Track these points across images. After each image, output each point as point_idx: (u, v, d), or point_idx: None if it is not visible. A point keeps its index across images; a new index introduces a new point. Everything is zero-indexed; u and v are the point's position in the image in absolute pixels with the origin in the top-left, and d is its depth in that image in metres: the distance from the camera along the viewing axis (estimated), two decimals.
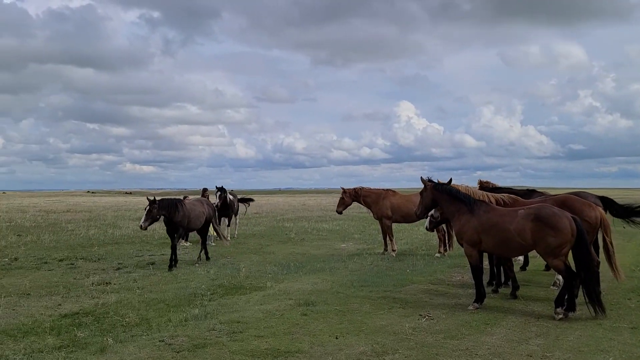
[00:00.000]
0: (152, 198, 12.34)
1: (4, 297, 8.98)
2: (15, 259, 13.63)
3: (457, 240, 8.79)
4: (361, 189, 15.18)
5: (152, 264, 12.93)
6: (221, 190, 17.77)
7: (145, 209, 12.12)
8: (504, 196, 9.66)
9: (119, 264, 12.89)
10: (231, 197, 18.40)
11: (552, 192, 11.81)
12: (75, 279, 10.90)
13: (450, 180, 10.00)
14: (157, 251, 15.58)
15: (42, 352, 6.07)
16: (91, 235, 19.80)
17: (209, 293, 9.27)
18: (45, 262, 13.06)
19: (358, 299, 8.83)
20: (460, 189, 10.28)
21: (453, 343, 6.43)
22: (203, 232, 13.78)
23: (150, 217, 11.95)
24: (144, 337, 6.69)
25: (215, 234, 18.10)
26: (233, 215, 18.93)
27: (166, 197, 13.10)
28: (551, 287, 9.71)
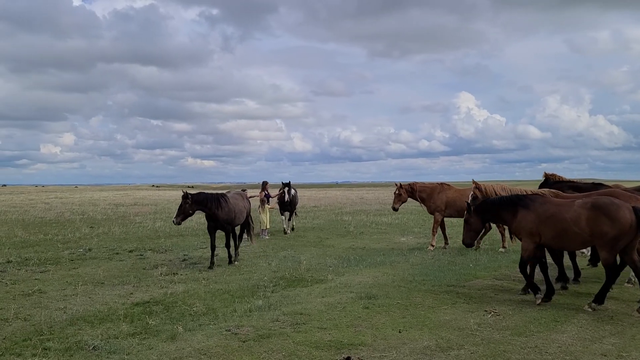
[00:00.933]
0: (184, 192, 11.62)
1: (81, 285, 9.50)
2: (89, 249, 14.39)
3: (515, 235, 8.70)
4: (415, 184, 14.96)
5: (216, 255, 13.29)
6: (288, 186, 18.29)
7: (180, 205, 11.40)
8: (544, 191, 9.50)
9: (184, 255, 13.35)
10: (293, 191, 18.72)
11: (625, 185, 11.23)
12: (144, 269, 11.38)
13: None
14: (220, 243, 15.97)
15: (117, 338, 6.39)
16: (157, 227, 20.59)
17: (271, 285, 9.44)
18: (117, 253, 13.71)
19: (420, 293, 8.74)
20: (495, 188, 11.05)
21: (521, 340, 6.25)
22: (242, 226, 13.04)
23: (182, 213, 11.24)
24: (211, 326, 6.90)
25: (267, 226, 18.07)
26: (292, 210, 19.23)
27: (206, 191, 12.51)
28: (625, 284, 9.24)
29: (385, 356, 5.73)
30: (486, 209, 8.65)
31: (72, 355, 5.75)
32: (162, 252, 13.93)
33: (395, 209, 15.30)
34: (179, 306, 7.94)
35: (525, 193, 9.40)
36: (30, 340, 6.29)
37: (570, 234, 7.70)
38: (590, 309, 7.56)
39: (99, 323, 7.06)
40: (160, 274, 10.70)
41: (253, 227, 13.52)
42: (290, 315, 7.34)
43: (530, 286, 8.31)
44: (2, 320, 7.25)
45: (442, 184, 14.84)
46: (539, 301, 7.99)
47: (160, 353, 5.83)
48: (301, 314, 7.44)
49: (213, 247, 11.90)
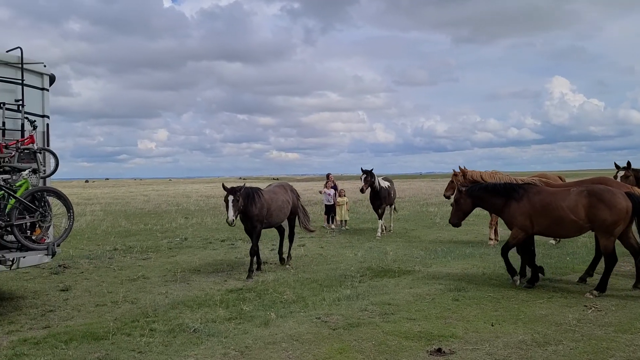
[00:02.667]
0: (230, 186, 9.71)
1: (180, 272, 10.09)
2: (185, 238, 15.23)
3: (507, 225, 8.67)
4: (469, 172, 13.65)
5: (303, 245, 13.60)
6: (367, 174, 15.17)
7: (228, 201, 9.36)
8: (534, 180, 9.67)
9: (272, 245, 13.73)
10: (386, 183, 16.05)
11: None
12: (236, 257, 11.88)
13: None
14: (306, 234, 16.29)
15: (215, 322, 6.73)
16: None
17: (358, 275, 9.51)
18: (210, 242, 14.40)
19: (513, 286, 8.45)
20: (484, 176, 11.17)
21: (626, 337, 5.88)
22: (289, 225, 11.29)
23: (238, 209, 9.43)
24: (301, 313, 7.09)
25: (343, 218, 17.35)
26: (387, 206, 16.47)
27: (248, 185, 10.42)
28: None
29: (477, 349, 5.62)
30: (478, 194, 8.73)
31: (175, 337, 6.14)
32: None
33: (446, 197, 13.48)
34: (270, 294, 8.21)
35: (517, 182, 9.55)
36: (138, 321, 6.78)
37: (567, 222, 7.87)
38: (592, 296, 7.62)
39: (197, 307, 7.48)
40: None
41: (308, 217, 11.93)
42: (379, 305, 7.37)
43: (509, 270, 8.58)
44: (112, 302, 7.88)
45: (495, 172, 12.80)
46: (517, 283, 8.42)
47: (255, 337, 6.09)
48: (389, 304, 7.45)
49: (255, 252, 9.96)
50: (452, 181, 13.44)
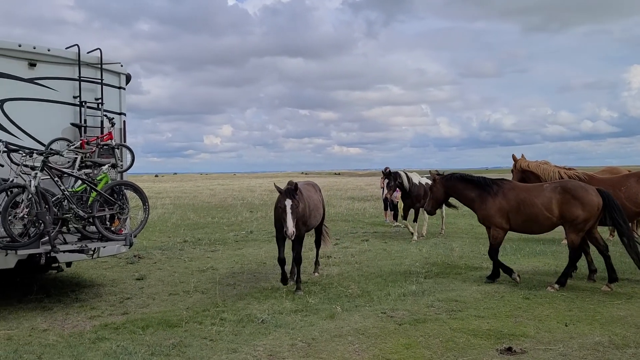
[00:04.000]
0: (285, 186, 7.79)
1: (247, 264, 10.37)
2: (251, 232, 15.60)
3: (482, 223, 8.70)
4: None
5: (366, 240, 13.59)
6: (390, 177, 13.76)
7: (286, 207, 7.44)
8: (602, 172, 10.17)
9: (337, 239, 13.82)
10: (425, 180, 13.93)
11: None
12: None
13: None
14: (370, 229, 16.31)
15: (281, 313, 6.88)
16: None
17: (423, 271, 9.41)
18: (274, 236, 14.62)
19: (588, 285, 8.10)
20: (532, 165, 10.60)
21: None
22: (318, 229, 9.52)
23: (296, 216, 7.55)
24: (366, 307, 7.11)
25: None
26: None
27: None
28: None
29: (550, 349, 5.43)
30: (451, 183, 8.74)
31: (244, 327, 6.33)
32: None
33: None
34: (335, 287, 8.28)
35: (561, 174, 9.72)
36: (209, 310, 7.03)
37: (540, 219, 8.00)
38: (552, 290, 7.76)
39: (264, 299, 7.66)
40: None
41: (328, 231, 10.03)
42: (445, 302, 7.27)
43: (504, 270, 8.45)
44: (184, 292, 8.21)
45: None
46: (519, 279, 8.29)
47: (321, 330, 6.16)
48: (456, 300, 7.33)
49: (282, 261, 8.17)
50: (512, 170, 12.92)
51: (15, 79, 7.57)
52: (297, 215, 7.53)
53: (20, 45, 7.59)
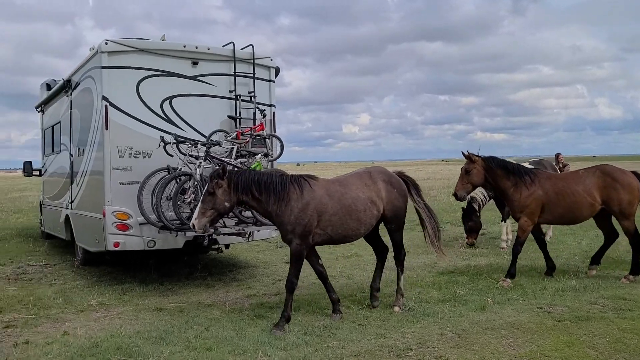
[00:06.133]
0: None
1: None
2: None
3: (514, 215, 8.00)
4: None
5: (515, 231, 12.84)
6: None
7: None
8: None
9: (483, 230, 13.26)
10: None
11: None
12: (445, 240, 11.75)
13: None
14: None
15: (428, 302, 6.79)
16: (452, 201, 20.93)
17: (583, 265, 8.66)
18: (417, 224, 14.42)
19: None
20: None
21: None
22: (392, 240, 6.92)
23: (213, 206, 5.96)
24: (520, 301, 6.74)
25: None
26: None
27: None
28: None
29: None
30: (491, 167, 7.85)
31: (391, 313, 6.37)
32: (459, 226, 14.13)
33: None
34: (484, 279, 7.96)
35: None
36: (355, 296, 7.18)
37: (583, 206, 7.60)
38: (628, 281, 7.50)
39: (410, 287, 7.61)
40: (461, 245, 10.91)
41: (436, 227, 7.09)
42: (611, 300, 6.62)
43: (512, 269, 7.79)
44: (331, 277, 8.38)
45: None
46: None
47: (471, 322, 5.97)
48: (625, 299, 6.64)
49: (289, 286, 6.09)
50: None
51: (181, 77, 8.34)
52: (214, 206, 5.85)
53: (185, 46, 8.34)
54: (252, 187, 5.97)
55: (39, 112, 13.37)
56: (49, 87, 12.10)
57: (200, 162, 7.52)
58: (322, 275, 6.59)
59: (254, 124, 8.73)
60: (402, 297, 6.68)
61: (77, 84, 9.32)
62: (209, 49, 8.54)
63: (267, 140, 8.59)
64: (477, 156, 7.97)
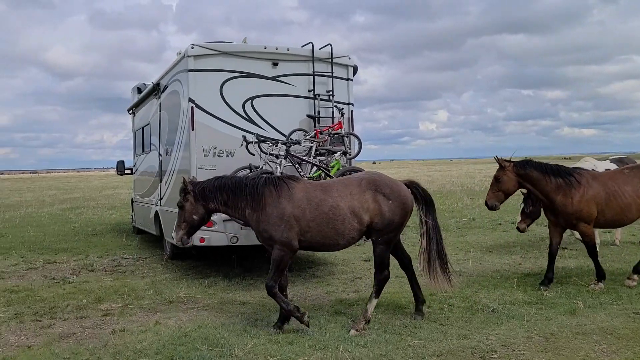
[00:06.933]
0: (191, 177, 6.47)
1: (472, 251, 10.12)
2: (473, 219, 15.17)
3: (567, 223, 7.26)
4: None
5: (609, 232, 12.10)
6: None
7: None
8: None
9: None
10: (592, 167, 9.78)
11: None
12: (530, 241, 11.30)
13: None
14: None
15: (513, 304, 6.55)
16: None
17: None
18: (500, 224, 14.00)
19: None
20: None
21: None
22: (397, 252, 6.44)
23: (185, 219, 6.10)
24: (614, 305, 6.36)
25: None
26: None
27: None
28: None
29: None
30: (525, 172, 7.14)
31: (473, 314, 6.19)
32: (544, 225, 13.51)
33: None
34: (573, 282, 7.57)
35: None
36: (436, 295, 7.03)
37: (633, 208, 7.11)
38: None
39: (493, 288, 7.38)
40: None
41: (440, 254, 6.26)
42: None
43: (599, 271, 7.28)
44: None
45: None
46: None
47: (560, 325, 5.70)
48: None
49: (269, 291, 5.85)
50: None
51: (261, 78, 8.58)
52: (185, 219, 5.95)
53: (265, 48, 8.57)
54: (218, 195, 5.89)
55: (130, 114, 14.24)
56: (139, 90, 12.85)
57: (281, 161, 7.70)
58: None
59: (332, 122, 8.81)
60: (366, 323, 5.72)
61: (165, 87, 9.83)
62: (288, 50, 8.71)
63: (346, 138, 8.64)
64: (508, 161, 7.32)
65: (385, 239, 5.90)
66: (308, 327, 5.69)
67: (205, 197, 5.92)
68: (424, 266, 6.16)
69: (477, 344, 5.23)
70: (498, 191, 7.37)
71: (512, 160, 7.40)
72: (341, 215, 5.72)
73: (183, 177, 6.18)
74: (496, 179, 7.37)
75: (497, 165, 7.51)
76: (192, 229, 6.03)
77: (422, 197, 6.26)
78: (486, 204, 7.58)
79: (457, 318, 6.08)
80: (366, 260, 9.65)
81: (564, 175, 7.17)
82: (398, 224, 5.92)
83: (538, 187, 7.23)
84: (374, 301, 5.87)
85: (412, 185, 6.25)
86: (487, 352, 5.03)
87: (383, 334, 5.59)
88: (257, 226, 5.82)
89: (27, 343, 5.60)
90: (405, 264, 6.42)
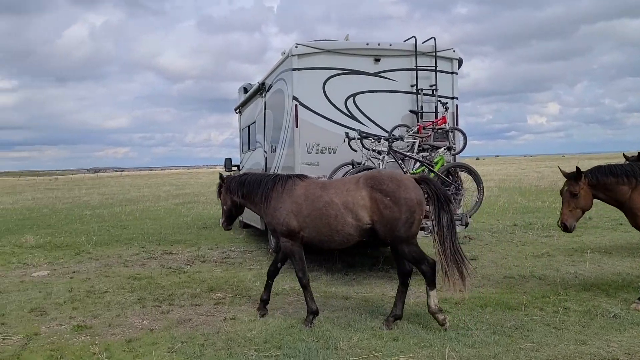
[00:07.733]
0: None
1: (588, 253, 9.44)
2: (590, 218, 14.11)
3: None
4: None
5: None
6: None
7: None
8: None
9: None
10: None
11: None
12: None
13: None
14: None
15: (638, 310, 6.01)
16: None
17: None
18: (620, 224, 12.92)
19: None
20: None
21: None
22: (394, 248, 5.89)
23: (226, 209, 6.90)
24: None
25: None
26: None
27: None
28: None
29: None
30: (599, 181, 6.29)
31: (592, 319, 5.77)
32: None
33: None
34: None
35: None
36: (549, 297, 6.67)
37: None
38: None
39: (614, 292, 6.83)
40: None
41: (457, 256, 5.84)
42: None
43: None
44: (520, 276, 7.98)
45: None
46: None
47: None
48: None
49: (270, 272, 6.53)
50: None
51: (363, 74, 8.60)
52: (226, 208, 6.75)
53: (367, 44, 8.57)
54: (239, 189, 6.43)
55: (237, 113, 14.90)
56: (245, 90, 13.41)
57: (384, 157, 7.67)
58: None
59: (436, 117, 8.62)
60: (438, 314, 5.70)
61: (270, 86, 10.17)
62: (390, 45, 8.65)
63: (450, 133, 8.42)
64: (579, 174, 6.30)
65: (398, 238, 5.61)
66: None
67: (231, 191, 6.54)
68: (447, 271, 5.78)
69: (596, 351, 4.88)
70: (575, 208, 6.42)
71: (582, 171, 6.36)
72: (334, 210, 5.70)
73: (219, 173, 6.81)
74: (572, 195, 6.37)
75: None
76: (229, 218, 6.77)
77: (434, 194, 5.75)
78: (564, 225, 6.49)
79: (573, 322, 5.70)
80: (471, 259, 9.32)
81: (637, 172, 6.21)
82: (405, 221, 5.56)
83: (614, 191, 6.30)
84: (432, 293, 5.76)
85: (423, 181, 5.83)
86: None
87: (492, 335, 5.38)
88: (266, 219, 6.23)
89: (150, 326, 6.07)
90: (405, 273, 6.01)
